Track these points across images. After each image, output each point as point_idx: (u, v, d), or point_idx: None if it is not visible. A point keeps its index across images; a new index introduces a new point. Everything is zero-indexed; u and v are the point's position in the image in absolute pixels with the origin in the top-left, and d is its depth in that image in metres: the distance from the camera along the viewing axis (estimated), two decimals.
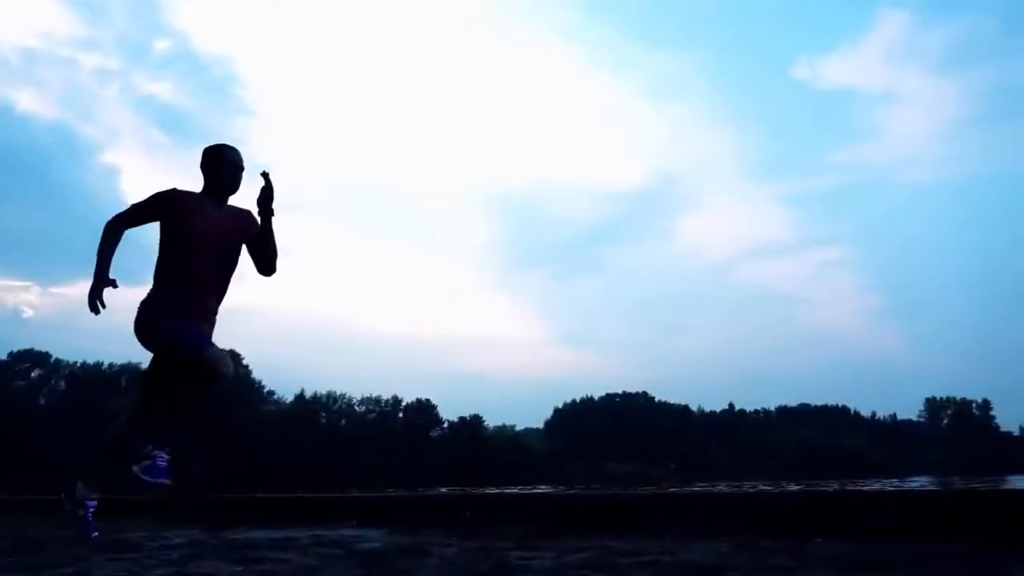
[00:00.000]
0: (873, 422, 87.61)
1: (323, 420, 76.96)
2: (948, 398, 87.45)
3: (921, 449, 79.15)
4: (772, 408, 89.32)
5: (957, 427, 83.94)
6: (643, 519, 2.77)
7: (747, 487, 12.22)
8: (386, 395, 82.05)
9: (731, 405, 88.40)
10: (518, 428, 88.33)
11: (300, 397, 75.66)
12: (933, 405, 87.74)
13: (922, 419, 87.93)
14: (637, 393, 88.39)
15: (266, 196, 3.14)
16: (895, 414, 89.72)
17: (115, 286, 2.90)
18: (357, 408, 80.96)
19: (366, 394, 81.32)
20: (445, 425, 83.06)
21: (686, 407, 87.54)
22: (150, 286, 3.12)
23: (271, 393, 75.74)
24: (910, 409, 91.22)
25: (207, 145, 3.25)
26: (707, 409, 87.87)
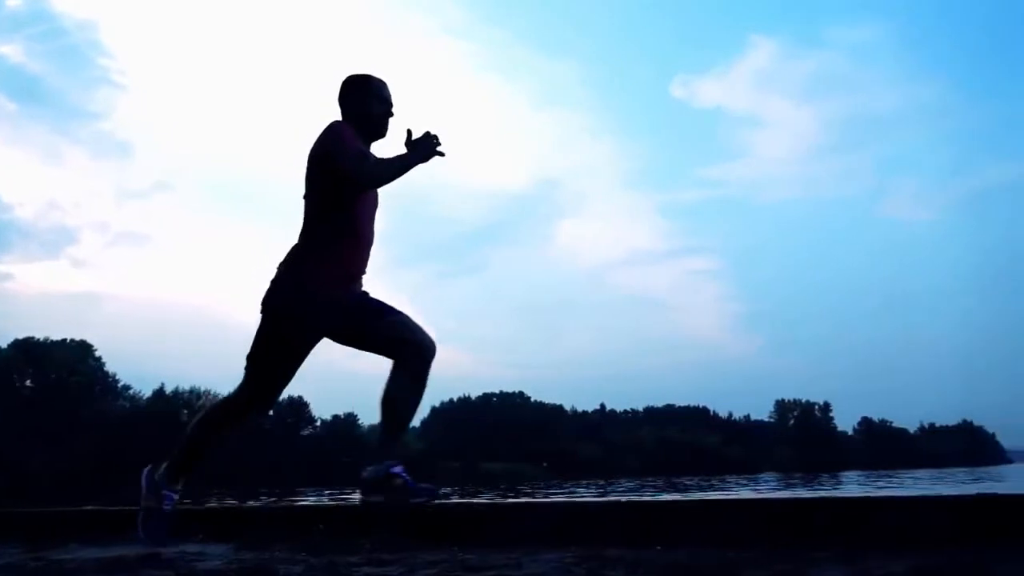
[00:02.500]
0: (729, 422, 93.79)
1: (185, 418, 72.60)
2: (795, 400, 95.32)
3: (770, 448, 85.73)
4: (640, 408, 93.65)
5: (802, 427, 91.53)
6: (498, 529, 2.80)
7: (606, 496, 12.82)
8: None
9: (602, 405, 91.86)
10: None
11: (160, 392, 70.99)
12: (782, 407, 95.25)
13: (772, 420, 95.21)
14: (514, 393, 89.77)
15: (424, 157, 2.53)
16: (749, 415, 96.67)
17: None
18: None
19: (232, 389, 77.45)
20: (317, 423, 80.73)
21: (560, 407, 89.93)
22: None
23: (126, 388, 70.57)
24: (762, 410, 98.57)
25: (351, 74, 2.63)
26: (580, 409, 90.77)
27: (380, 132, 2.61)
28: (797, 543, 2.47)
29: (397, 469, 2.47)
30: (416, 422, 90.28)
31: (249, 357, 2.58)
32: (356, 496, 2.80)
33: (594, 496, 12.79)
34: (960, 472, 39.52)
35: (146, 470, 2.66)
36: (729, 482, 25.48)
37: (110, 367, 67.87)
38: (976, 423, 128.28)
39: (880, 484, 17.91)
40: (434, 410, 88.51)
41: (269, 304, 2.48)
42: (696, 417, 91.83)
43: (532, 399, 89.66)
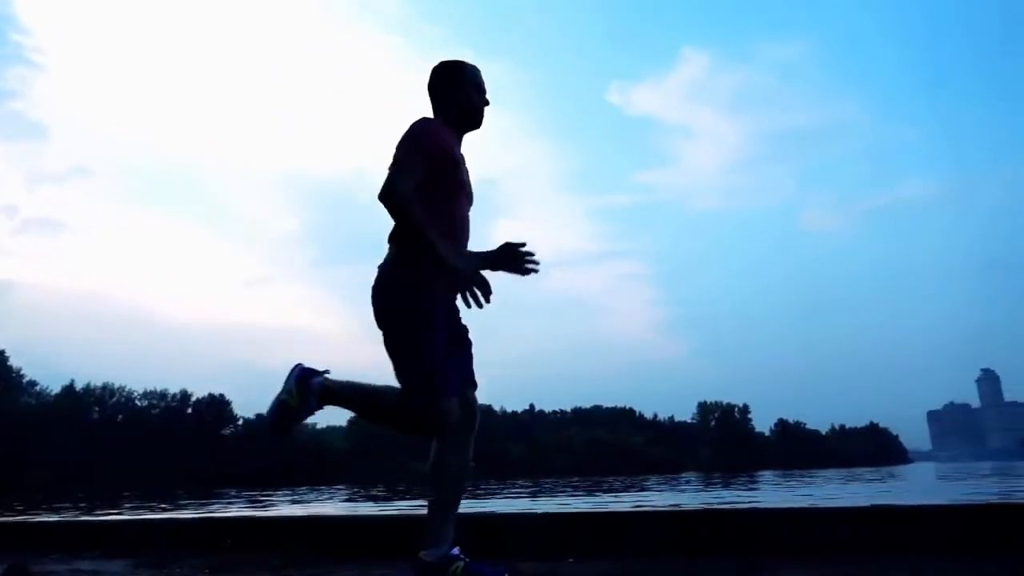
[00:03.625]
0: (654, 423, 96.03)
1: (96, 415, 69.07)
2: (716, 402, 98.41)
3: (692, 448, 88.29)
4: (568, 409, 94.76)
5: (722, 428, 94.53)
6: (403, 540, 2.76)
7: (536, 498, 12.85)
8: (173, 389, 75.72)
9: (532, 406, 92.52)
10: (319, 426, 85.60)
11: (69, 389, 67.41)
12: (704, 408, 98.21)
13: (694, 421, 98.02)
14: None
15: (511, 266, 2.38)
16: (673, 416, 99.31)
17: (481, 258, 2.22)
18: (139, 402, 73.73)
19: (150, 387, 74.24)
20: (240, 422, 78.26)
21: (490, 407, 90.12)
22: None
23: (32, 384, 66.73)
24: (685, 411, 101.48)
25: (444, 61, 2.42)
26: (509, 409, 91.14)
27: (476, 122, 2.39)
28: (695, 554, 2.53)
29: (455, 551, 2.19)
30: (343, 421, 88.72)
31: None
32: (276, 508, 2.64)
33: (526, 498, 12.85)
34: (867, 471, 41.71)
35: (303, 367, 2.26)
36: (652, 482, 26.08)
37: (15, 362, 64.11)
38: (882, 425, 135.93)
39: (793, 484, 18.66)
40: None
41: (379, 306, 2.22)
42: (623, 418, 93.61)
43: None
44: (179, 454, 64.90)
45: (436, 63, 2.40)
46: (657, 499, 11.73)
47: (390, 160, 2.15)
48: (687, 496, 12.77)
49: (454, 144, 2.29)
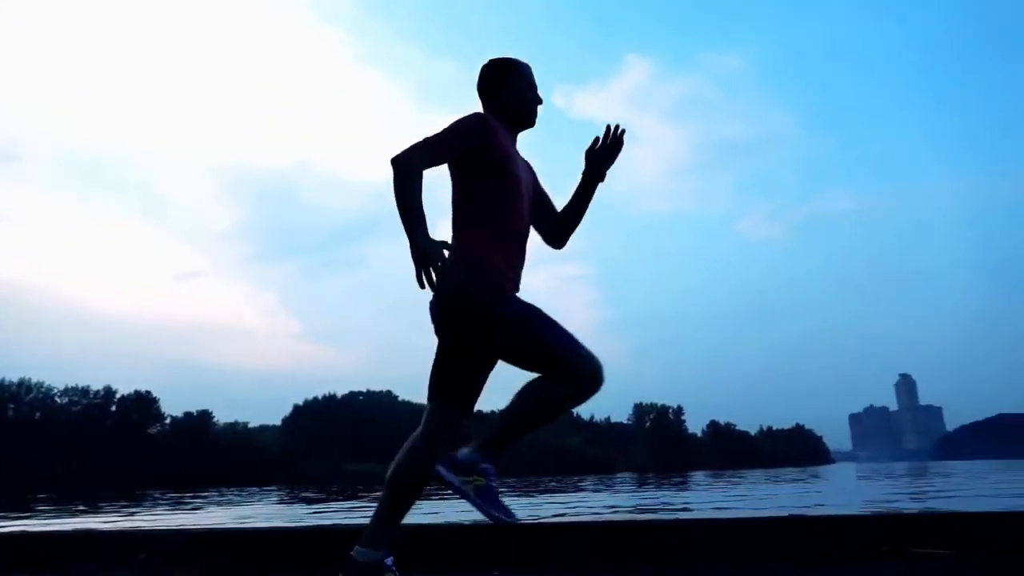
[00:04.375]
0: (591, 423, 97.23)
1: (11, 413, 65.50)
2: (651, 404, 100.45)
3: (628, 448, 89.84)
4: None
5: (657, 429, 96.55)
6: (320, 555, 2.69)
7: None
8: (96, 385, 72.57)
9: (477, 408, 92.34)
10: (252, 425, 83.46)
11: None
12: (640, 410, 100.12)
13: (630, 421, 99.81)
14: (381, 392, 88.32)
15: (611, 157, 2.36)
16: (609, 417, 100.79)
17: (446, 247, 2.01)
18: (58, 399, 70.33)
19: (71, 383, 70.94)
20: (167, 421, 75.56)
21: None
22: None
23: None
24: (622, 412, 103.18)
25: (494, 58, 2.35)
26: None
27: (529, 121, 2.34)
28: (623, 565, 2.55)
29: (389, 561, 2.13)
30: (277, 420, 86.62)
31: (434, 381, 2.27)
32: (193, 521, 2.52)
33: (455, 502, 12.76)
34: (792, 471, 43.28)
35: (442, 468, 2.21)
36: (587, 483, 26.39)
37: None
38: (807, 427, 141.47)
39: (722, 485, 19.17)
40: (296, 408, 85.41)
41: (440, 311, 2.13)
42: (561, 418, 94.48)
43: (400, 398, 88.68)
44: (102, 454, 62.21)
45: (488, 62, 2.34)
46: (593, 501, 11.85)
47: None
48: (622, 497, 12.96)
49: (507, 140, 2.23)
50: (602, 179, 2.38)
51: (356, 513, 9.73)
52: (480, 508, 2.09)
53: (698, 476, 36.93)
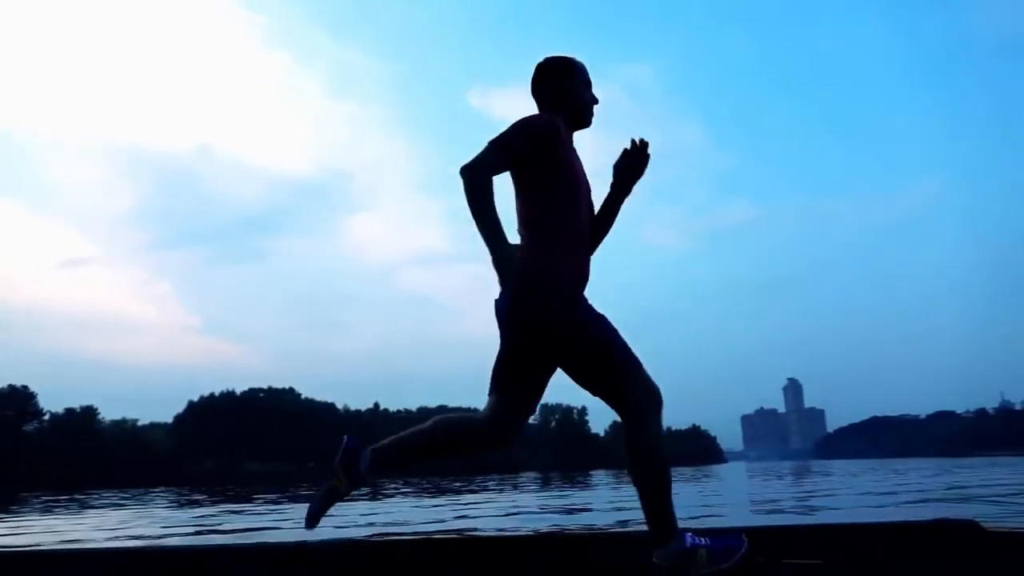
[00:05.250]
0: None
1: None
2: (557, 404, 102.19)
3: (534, 448, 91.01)
4: (414, 409, 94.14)
5: (562, 429, 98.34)
6: (207, 573, 2.59)
7: (376, 500, 12.68)
8: None
9: (376, 404, 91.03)
10: (142, 423, 79.02)
11: None
12: (545, 409, 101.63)
13: (536, 421, 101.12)
14: (283, 389, 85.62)
15: (639, 171, 2.27)
16: None
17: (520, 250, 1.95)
18: None
19: None
20: (46, 417, 70.42)
21: (332, 405, 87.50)
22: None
23: None
24: None
25: (551, 57, 2.28)
26: (353, 408, 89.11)
27: (587, 121, 2.28)
28: None
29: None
30: (168, 418, 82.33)
31: (496, 377, 2.12)
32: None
33: (359, 505, 12.60)
34: (688, 470, 45.10)
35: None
36: (492, 482, 26.55)
37: None
38: (702, 428, 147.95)
39: (621, 484, 19.75)
40: (191, 405, 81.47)
41: (511, 311, 2.05)
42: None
43: (303, 396, 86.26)
44: None
45: (544, 60, 2.29)
46: (501, 501, 11.94)
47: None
48: (525, 497, 13.13)
49: (567, 141, 2.19)
50: (628, 193, 2.34)
51: (223, 519, 9.42)
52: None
53: (600, 475, 37.86)
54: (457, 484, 25.37)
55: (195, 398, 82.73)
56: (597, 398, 2.13)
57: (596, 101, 2.29)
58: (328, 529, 6.77)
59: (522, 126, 2.07)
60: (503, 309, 2.06)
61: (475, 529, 6.42)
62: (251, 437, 73.93)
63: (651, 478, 2.00)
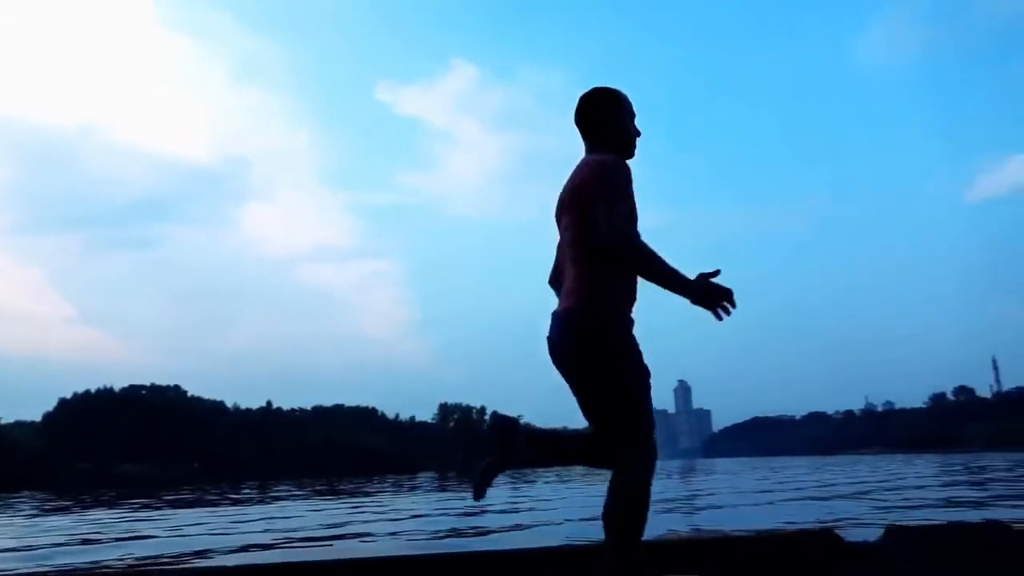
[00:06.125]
0: (396, 423, 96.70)
1: None
2: (456, 404, 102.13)
3: (432, 448, 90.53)
4: (308, 407, 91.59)
5: (461, 429, 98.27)
6: None
7: (265, 502, 12.25)
8: None
9: (269, 403, 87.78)
10: (5, 421, 72.74)
11: None
12: (445, 409, 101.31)
13: (435, 421, 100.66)
14: (167, 386, 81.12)
15: (701, 302, 2.05)
16: (414, 416, 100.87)
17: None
18: None
19: None
20: None
21: (221, 403, 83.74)
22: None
23: None
24: (426, 412, 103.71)
25: (598, 89, 2.26)
26: (243, 406, 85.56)
27: (632, 152, 2.28)
28: None
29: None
30: (37, 416, 76.24)
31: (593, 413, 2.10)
32: None
33: (235, 509, 12.22)
34: (582, 469, 46.23)
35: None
36: (388, 484, 26.26)
37: None
38: None
39: (517, 484, 20.04)
40: (62, 402, 75.81)
41: (580, 344, 2.06)
42: (364, 417, 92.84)
43: (189, 393, 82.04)
44: None
45: (591, 92, 2.30)
46: (398, 504, 11.86)
47: (596, 202, 2.04)
48: (421, 500, 13.10)
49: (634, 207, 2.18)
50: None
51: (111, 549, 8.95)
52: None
53: (498, 476, 38.13)
54: (351, 486, 24.92)
55: (67, 395, 77.08)
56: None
57: (639, 134, 2.31)
58: (234, 536, 6.56)
59: (620, 169, 2.10)
60: (565, 339, 2.10)
61: (369, 535, 6.40)
62: (131, 437, 69.58)
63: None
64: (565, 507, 9.16)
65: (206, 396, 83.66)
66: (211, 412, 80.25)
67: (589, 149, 2.26)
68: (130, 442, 69.13)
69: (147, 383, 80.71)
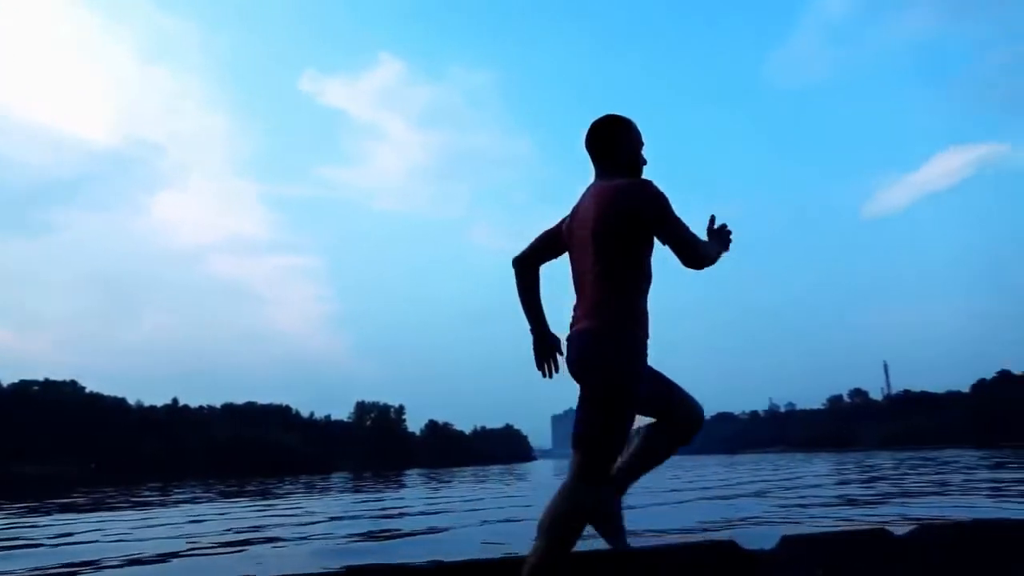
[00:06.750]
0: (311, 421, 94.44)
1: None
2: (373, 402, 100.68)
3: (347, 447, 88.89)
4: (218, 405, 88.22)
5: (378, 428, 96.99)
6: None
7: (167, 505, 11.67)
8: None
9: (175, 400, 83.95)
10: None
11: None
12: (361, 408, 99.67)
13: (351, 419, 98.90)
14: (63, 382, 76.33)
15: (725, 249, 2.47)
16: (330, 415, 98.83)
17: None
18: None
19: None
20: None
21: (123, 400, 79.47)
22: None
23: None
24: (342, 410, 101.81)
25: (613, 116, 2.37)
26: (147, 403, 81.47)
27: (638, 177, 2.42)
28: None
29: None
30: None
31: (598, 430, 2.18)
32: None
33: (128, 512, 11.67)
34: (498, 468, 46.54)
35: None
36: (300, 484, 25.63)
37: None
38: (515, 427, 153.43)
39: (433, 485, 19.97)
40: None
41: (603, 368, 2.15)
42: (277, 415, 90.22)
43: (87, 389, 77.48)
44: None
45: (607, 119, 2.37)
46: (310, 508, 11.60)
47: (665, 228, 2.18)
48: (332, 502, 12.85)
49: None
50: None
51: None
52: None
53: (413, 475, 37.91)
54: (262, 486, 24.16)
55: None
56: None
57: (646, 162, 2.43)
58: (130, 544, 6.22)
59: (663, 199, 2.19)
60: (591, 358, 2.19)
61: (279, 540, 6.22)
62: (22, 435, 65.12)
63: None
64: (484, 508, 9.18)
65: (107, 392, 79.25)
66: (111, 409, 76.01)
67: (601, 174, 2.35)
68: (24, 441, 64.73)
69: (40, 378, 75.74)
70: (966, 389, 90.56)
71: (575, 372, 2.23)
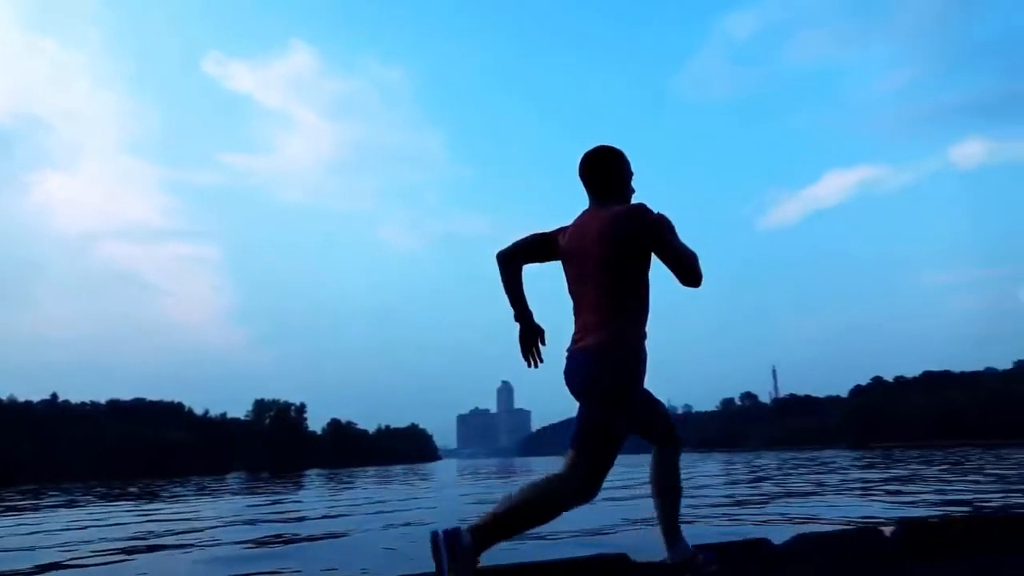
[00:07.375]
0: (205, 419, 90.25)
1: None
2: (273, 400, 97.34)
3: (244, 445, 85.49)
4: (103, 401, 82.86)
5: (277, 426, 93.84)
6: None
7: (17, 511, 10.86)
8: None
9: (55, 395, 78.25)
10: None
11: None
12: (260, 406, 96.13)
13: (249, 418, 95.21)
14: None
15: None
16: (226, 412, 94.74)
17: None
18: None
19: None
20: None
21: None
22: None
23: None
24: (240, 408, 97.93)
25: (607, 147, 2.51)
26: (23, 398, 75.47)
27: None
28: None
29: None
30: None
31: (586, 443, 2.30)
32: None
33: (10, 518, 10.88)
34: (401, 468, 46.03)
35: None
36: (190, 486, 24.51)
37: None
38: (420, 426, 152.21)
39: (333, 486, 19.57)
40: None
41: (605, 383, 2.25)
42: (169, 413, 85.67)
43: None
44: None
45: (601, 150, 2.49)
46: (201, 512, 11.14)
47: (666, 250, 2.26)
48: (224, 505, 12.39)
49: None
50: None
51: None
52: None
53: (312, 475, 36.93)
54: (148, 488, 22.95)
55: None
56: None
57: (634, 191, 2.53)
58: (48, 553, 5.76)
59: (666, 221, 2.29)
60: (599, 380, 2.26)
61: (164, 547, 5.94)
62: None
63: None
64: (386, 511, 9.09)
65: None
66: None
67: (595, 200, 2.47)
68: None
69: None
70: (845, 394, 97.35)
71: (574, 385, 2.33)
